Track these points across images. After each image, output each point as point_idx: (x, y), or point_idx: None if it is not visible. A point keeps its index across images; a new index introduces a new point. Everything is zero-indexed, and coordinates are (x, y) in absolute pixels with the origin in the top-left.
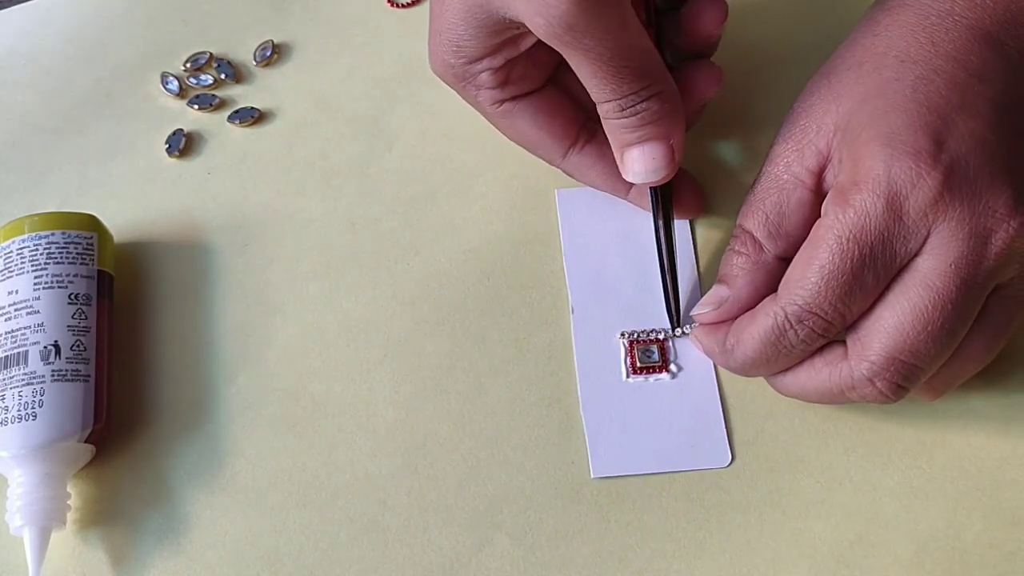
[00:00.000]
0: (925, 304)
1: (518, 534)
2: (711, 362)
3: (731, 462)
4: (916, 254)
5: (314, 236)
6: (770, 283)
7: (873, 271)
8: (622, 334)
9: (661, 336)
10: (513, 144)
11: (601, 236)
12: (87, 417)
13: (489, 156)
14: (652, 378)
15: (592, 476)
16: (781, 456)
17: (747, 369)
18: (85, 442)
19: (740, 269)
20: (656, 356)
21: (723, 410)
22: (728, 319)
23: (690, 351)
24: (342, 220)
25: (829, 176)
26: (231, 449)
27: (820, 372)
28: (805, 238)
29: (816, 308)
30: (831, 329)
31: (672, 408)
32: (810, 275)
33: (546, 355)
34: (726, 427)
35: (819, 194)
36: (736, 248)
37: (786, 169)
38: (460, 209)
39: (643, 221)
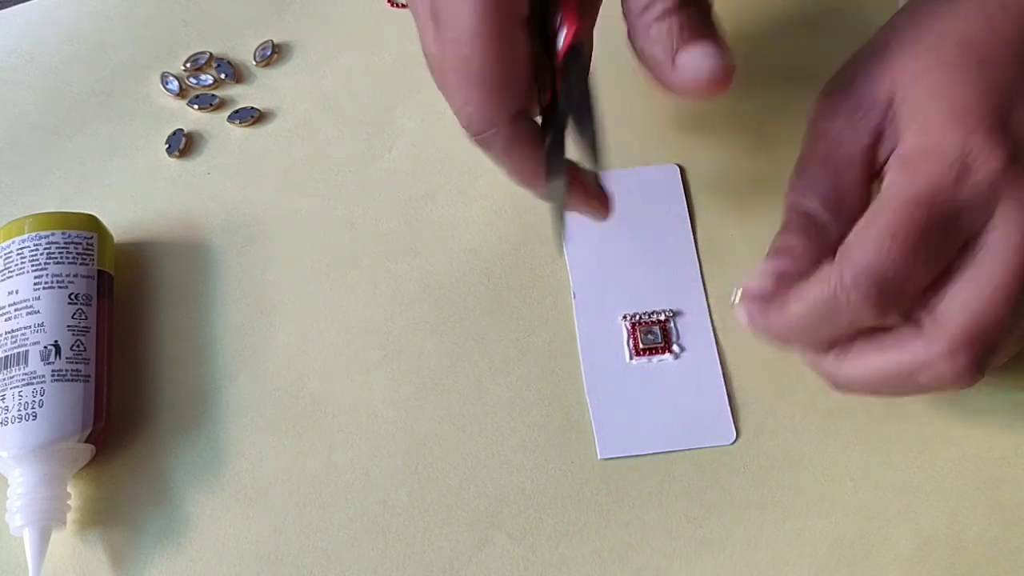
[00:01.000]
0: (1004, 277)
1: (518, 534)
2: (713, 341)
3: (736, 439)
4: (983, 229)
5: (314, 236)
6: (820, 260)
7: (938, 241)
8: (624, 316)
9: (662, 317)
10: None
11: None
12: (87, 417)
13: None
14: (655, 359)
15: (599, 457)
16: (782, 453)
17: (790, 334)
18: (85, 442)
19: (791, 245)
20: (658, 337)
21: (726, 388)
22: (778, 292)
23: (693, 331)
24: (342, 220)
25: (883, 150)
26: (231, 449)
27: (889, 352)
28: (855, 213)
29: (875, 272)
30: (885, 299)
31: (676, 388)
32: (870, 238)
33: (546, 355)
34: (730, 404)
35: (871, 169)
36: (789, 227)
37: (837, 146)
38: (460, 209)
39: (644, 205)
